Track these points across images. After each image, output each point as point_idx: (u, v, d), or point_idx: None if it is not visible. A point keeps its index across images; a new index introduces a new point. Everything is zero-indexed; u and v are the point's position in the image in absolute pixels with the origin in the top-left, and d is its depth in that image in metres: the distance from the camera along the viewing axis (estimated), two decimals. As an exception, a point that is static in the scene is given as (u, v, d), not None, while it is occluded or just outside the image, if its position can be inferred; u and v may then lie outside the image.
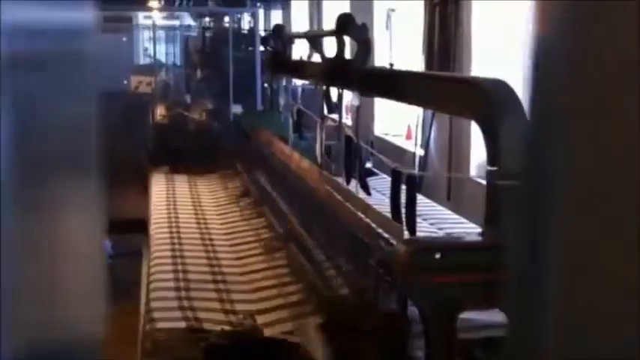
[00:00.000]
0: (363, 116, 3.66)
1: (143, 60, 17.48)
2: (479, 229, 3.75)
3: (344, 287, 2.59)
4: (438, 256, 1.97)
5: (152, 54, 15.61)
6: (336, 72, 3.02)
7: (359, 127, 3.11)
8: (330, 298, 2.50)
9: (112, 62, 12.19)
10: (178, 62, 13.50)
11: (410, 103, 2.57)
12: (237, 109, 6.87)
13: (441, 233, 3.79)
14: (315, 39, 3.53)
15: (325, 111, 3.55)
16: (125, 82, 12.16)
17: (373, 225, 2.50)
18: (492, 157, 2.00)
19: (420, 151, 6.73)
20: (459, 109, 2.35)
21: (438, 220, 4.04)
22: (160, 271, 3.09)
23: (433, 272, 1.94)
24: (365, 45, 2.79)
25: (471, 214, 3.83)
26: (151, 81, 12.48)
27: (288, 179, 4.00)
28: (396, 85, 2.64)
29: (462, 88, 2.15)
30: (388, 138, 7.87)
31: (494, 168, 2.00)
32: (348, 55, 3.10)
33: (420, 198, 4.13)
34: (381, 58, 8.35)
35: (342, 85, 3.09)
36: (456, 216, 4.15)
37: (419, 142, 6.76)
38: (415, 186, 2.81)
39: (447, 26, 6.30)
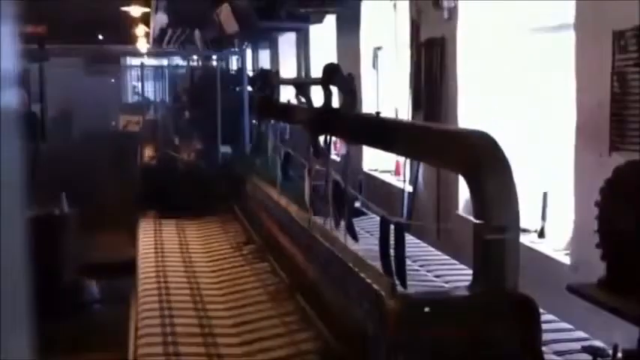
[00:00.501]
0: (352, 152, 3.67)
1: (132, 98, 17.58)
2: (467, 270, 3.79)
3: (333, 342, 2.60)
4: (427, 309, 1.98)
5: (140, 92, 15.69)
6: (323, 120, 3.04)
7: (347, 174, 3.12)
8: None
9: (101, 104, 12.27)
10: (167, 100, 13.56)
11: (397, 153, 2.59)
12: (226, 149, 6.88)
13: (430, 275, 3.80)
14: (302, 86, 3.56)
15: (313, 154, 3.56)
16: (113, 123, 12.21)
17: (363, 277, 2.50)
18: (478, 211, 2.02)
19: (408, 188, 6.77)
20: (444, 162, 2.37)
21: (427, 261, 4.04)
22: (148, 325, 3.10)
23: (422, 327, 1.95)
24: (351, 95, 2.83)
25: (459, 249, 3.83)
26: (139, 120, 12.53)
27: (277, 229, 4.02)
28: (382, 135, 2.66)
29: (447, 141, 2.17)
30: (377, 174, 7.90)
31: (480, 222, 2.01)
32: (335, 103, 3.12)
33: (409, 238, 4.15)
34: (368, 96, 8.43)
35: (329, 132, 3.11)
36: (445, 257, 4.16)
37: (407, 178, 6.81)
38: (403, 234, 2.82)
39: (433, 65, 6.37)
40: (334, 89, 3.03)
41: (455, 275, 3.77)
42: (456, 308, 1.97)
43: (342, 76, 2.86)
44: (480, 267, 2.01)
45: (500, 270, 1.97)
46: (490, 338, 1.95)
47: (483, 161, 2.02)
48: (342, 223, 3.41)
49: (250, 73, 7.38)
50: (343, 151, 3.19)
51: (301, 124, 3.72)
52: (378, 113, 2.77)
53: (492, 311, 1.96)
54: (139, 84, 16.42)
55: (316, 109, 3.16)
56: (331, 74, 2.88)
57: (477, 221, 2.01)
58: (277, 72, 5.18)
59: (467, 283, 3.55)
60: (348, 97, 2.85)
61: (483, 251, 2.00)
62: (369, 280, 2.45)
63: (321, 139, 3.26)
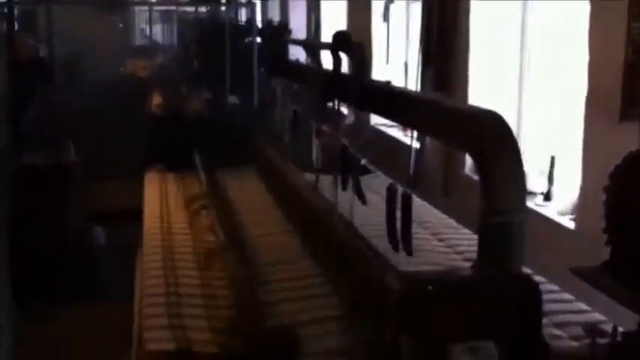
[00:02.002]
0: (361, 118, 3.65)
1: (140, 41, 17.45)
2: (471, 235, 3.81)
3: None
4: (430, 288, 2.00)
5: (149, 36, 15.59)
6: (332, 86, 3.03)
7: (355, 143, 3.12)
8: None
9: (109, 48, 12.18)
10: (175, 44, 13.44)
11: (405, 126, 2.58)
12: (234, 100, 6.86)
13: (435, 241, 3.82)
14: (312, 48, 3.54)
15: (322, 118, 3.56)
16: (122, 68, 12.15)
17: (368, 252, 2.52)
18: (485, 192, 2.02)
19: (416, 144, 6.75)
20: (453, 141, 2.37)
21: (433, 225, 4.06)
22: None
23: (426, 308, 1.97)
24: (361, 64, 2.81)
25: (465, 209, 3.82)
26: (148, 65, 12.47)
27: (282, 189, 4.03)
28: (391, 106, 2.65)
29: (456, 120, 2.16)
30: (384, 129, 7.88)
31: (487, 203, 2.01)
32: (345, 69, 3.10)
33: (416, 200, 4.15)
34: (378, 49, 8.35)
35: (338, 99, 3.10)
36: (450, 220, 4.18)
37: (415, 135, 6.78)
38: (411, 204, 2.83)
39: (445, 19, 6.30)
40: (344, 56, 3.00)
41: (459, 239, 3.79)
42: (458, 290, 1.98)
43: (352, 44, 2.83)
44: (484, 249, 2.01)
45: (505, 252, 1.97)
46: (491, 320, 1.97)
47: (492, 143, 2.01)
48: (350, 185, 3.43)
49: (260, 24, 7.31)
50: (351, 119, 3.18)
51: (310, 87, 3.70)
52: (388, 82, 2.76)
53: (494, 293, 1.97)
54: (148, 27, 16.31)
55: (325, 74, 3.14)
56: (341, 42, 2.85)
57: (484, 203, 2.01)
58: (286, 25, 5.11)
59: (470, 248, 3.61)
60: (358, 66, 2.83)
61: (489, 233, 2.00)
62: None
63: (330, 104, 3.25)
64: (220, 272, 3.22)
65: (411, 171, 6.69)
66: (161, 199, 4.57)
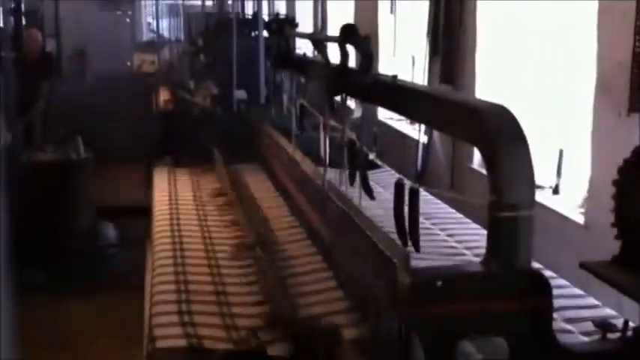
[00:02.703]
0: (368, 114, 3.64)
1: (146, 36, 17.45)
2: (480, 229, 3.80)
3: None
4: (439, 284, 1.99)
5: (155, 30, 15.56)
6: (339, 80, 3.02)
7: (362, 138, 3.11)
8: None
9: (115, 42, 12.17)
10: (181, 38, 13.42)
11: (412, 120, 2.57)
12: (241, 95, 6.83)
13: (443, 234, 3.82)
14: (319, 42, 3.52)
15: (329, 112, 3.55)
16: (128, 63, 12.14)
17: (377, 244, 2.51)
18: (494, 186, 2.01)
19: (423, 138, 6.73)
20: (460, 133, 2.35)
21: (441, 220, 4.05)
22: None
23: (435, 303, 1.96)
24: (367, 57, 2.79)
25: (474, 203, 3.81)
26: (154, 60, 12.46)
27: (290, 183, 4.02)
28: (397, 100, 2.64)
29: (465, 114, 2.15)
30: (392, 123, 7.86)
31: (495, 197, 2.00)
32: (352, 62, 3.08)
33: (423, 194, 4.14)
34: (385, 42, 8.33)
35: (345, 93, 3.09)
36: (459, 215, 4.16)
37: (422, 128, 6.77)
38: (418, 199, 2.82)
39: (452, 12, 6.28)
40: (351, 49, 2.99)
41: (467, 235, 3.78)
42: (467, 284, 1.98)
43: (358, 37, 2.82)
44: (492, 243, 2.01)
45: (513, 247, 1.97)
46: (500, 314, 1.97)
47: (500, 138, 2.00)
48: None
49: (266, 18, 7.28)
50: (358, 113, 3.17)
51: (317, 81, 3.70)
52: (394, 77, 2.74)
53: (503, 288, 1.97)
54: (154, 22, 16.29)
55: (332, 68, 3.12)
56: (348, 35, 2.84)
57: (493, 197, 2.00)
58: (293, 19, 5.10)
59: (478, 244, 3.60)
60: (364, 60, 2.81)
61: (497, 227, 1.99)
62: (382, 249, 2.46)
63: (337, 98, 3.24)
64: (233, 269, 3.23)
65: (419, 165, 6.69)
66: (170, 195, 4.57)
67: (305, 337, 2.39)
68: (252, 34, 7.21)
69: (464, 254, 3.48)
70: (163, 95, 8.17)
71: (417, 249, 2.84)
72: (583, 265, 2.11)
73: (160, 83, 9.25)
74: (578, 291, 3.01)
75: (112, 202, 7.42)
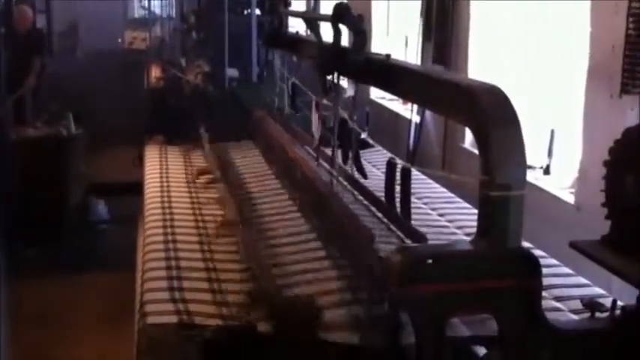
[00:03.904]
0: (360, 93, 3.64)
1: (137, 13, 17.33)
2: (471, 209, 3.82)
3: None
4: (429, 262, 2.00)
5: (146, 7, 15.45)
6: (332, 59, 3.01)
7: (354, 116, 3.12)
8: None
9: (106, 19, 12.08)
10: (173, 15, 13.33)
11: (404, 99, 2.57)
12: (233, 73, 6.81)
13: (434, 214, 3.83)
14: (311, 20, 3.51)
15: (321, 91, 3.54)
16: (119, 39, 12.06)
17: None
18: (485, 166, 2.02)
19: (415, 118, 6.73)
20: (452, 113, 2.36)
21: (432, 199, 4.06)
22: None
23: (425, 281, 1.97)
24: (360, 36, 2.79)
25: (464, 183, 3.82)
26: (146, 37, 12.39)
27: (283, 163, 4.02)
28: (390, 79, 2.64)
29: (457, 94, 2.15)
30: (384, 102, 7.86)
31: (487, 177, 2.01)
32: (345, 41, 3.08)
33: (414, 174, 4.15)
34: (379, 23, 8.31)
35: (337, 71, 3.08)
36: (450, 194, 4.18)
37: (415, 108, 6.76)
38: (410, 179, 2.83)
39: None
40: (344, 28, 2.98)
41: (458, 214, 3.79)
42: (457, 263, 1.99)
43: (352, 16, 2.81)
44: (483, 222, 2.02)
45: (503, 227, 1.98)
46: (490, 293, 1.98)
47: (493, 118, 2.00)
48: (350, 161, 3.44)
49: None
50: (351, 92, 3.17)
51: (309, 60, 3.69)
52: (388, 56, 2.74)
53: (493, 267, 1.98)
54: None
55: (325, 47, 3.12)
56: (341, 14, 2.83)
57: (484, 176, 2.01)
58: (285, -1, 5.07)
59: (470, 223, 3.61)
60: (357, 38, 2.81)
61: (488, 207, 2.00)
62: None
63: (330, 77, 3.24)
64: (224, 245, 3.23)
65: (411, 145, 6.70)
66: (161, 172, 4.56)
67: (281, 314, 2.39)
68: (245, 11, 7.18)
69: (455, 233, 3.49)
70: (155, 72, 8.13)
71: (409, 227, 2.85)
72: (573, 245, 2.13)
73: (151, 60, 9.21)
74: (567, 270, 3.03)
75: (103, 178, 7.41)
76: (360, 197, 3.41)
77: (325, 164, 3.75)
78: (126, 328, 3.24)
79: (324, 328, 2.36)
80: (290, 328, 2.36)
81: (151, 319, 2.46)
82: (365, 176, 3.54)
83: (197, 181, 4.30)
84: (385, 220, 3.07)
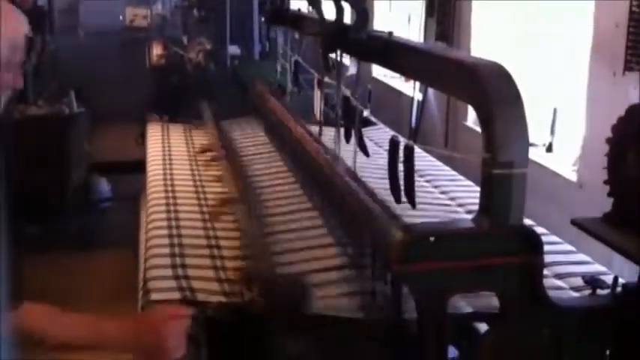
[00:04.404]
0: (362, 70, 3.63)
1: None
2: (473, 186, 3.82)
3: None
4: (432, 239, 2.01)
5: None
6: (334, 37, 3.00)
7: (356, 94, 3.11)
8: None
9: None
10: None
11: (407, 76, 2.56)
12: (234, 50, 6.80)
13: (436, 192, 3.83)
14: (313, -3, 3.49)
15: (323, 69, 3.53)
16: (120, 17, 12.01)
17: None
18: (487, 144, 2.01)
19: (418, 95, 6.72)
20: (455, 91, 2.35)
21: (434, 176, 4.06)
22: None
23: (427, 259, 1.98)
24: (362, 13, 2.77)
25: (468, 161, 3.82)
26: (147, 14, 12.34)
27: (283, 139, 4.01)
28: (392, 57, 2.63)
29: (460, 71, 2.15)
30: (386, 80, 7.84)
31: (489, 155, 2.01)
32: (347, 19, 3.07)
33: (417, 152, 4.15)
34: (380, 2, 8.26)
35: (339, 49, 3.07)
36: (453, 172, 4.17)
37: (417, 85, 6.75)
38: (413, 156, 2.82)
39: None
40: (346, 5, 2.97)
41: (461, 192, 3.79)
42: (459, 241, 1.99)
43: (353, -6, 2.80)
44: (485, 200, 2.02)
45: (505, 204, 1.98)
46: (492, 270, 1.99)
47: (496, 95, 2.00)
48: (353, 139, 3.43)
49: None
50: (353, 70, 3.16)
51: (311, 37, 3.67)
52: (390, 34, 2.73)
53: (495, 244, 1.99)
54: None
55: (327, 24, 3.10)
56: (343, -9, 2.82)
57: (486, 154, 2.01)
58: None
59: (472, 200, 3.61)
60: (359, 16, 2.79)
61: (490, 185, 2.00)
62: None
63: (332, 55, 3.22)
64: (227, 223, 3.23)
65: (414, 122, 6.69)
66: (164, 149, 4.56)
67: (268, 292, 2.40)
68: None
69: (457, 211, 3.49)
70: (156, 50, 8.09)
71: (413, 205, 2.85)
72: (574, 222, 2.13)
73: (152, 38, 9.16)
74: (569, 247, 3.04)
75: (105, 157, 7.41)
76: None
77: (327, 142, 3.75)
78: (129, 304, 3.25)
79: (324, 304, 2.36)
80: (276, 306, 2.36)
81: (154, 296, 2.47)
82: (367, 154, 3.53)
83: (199, 158, 4.30)
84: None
